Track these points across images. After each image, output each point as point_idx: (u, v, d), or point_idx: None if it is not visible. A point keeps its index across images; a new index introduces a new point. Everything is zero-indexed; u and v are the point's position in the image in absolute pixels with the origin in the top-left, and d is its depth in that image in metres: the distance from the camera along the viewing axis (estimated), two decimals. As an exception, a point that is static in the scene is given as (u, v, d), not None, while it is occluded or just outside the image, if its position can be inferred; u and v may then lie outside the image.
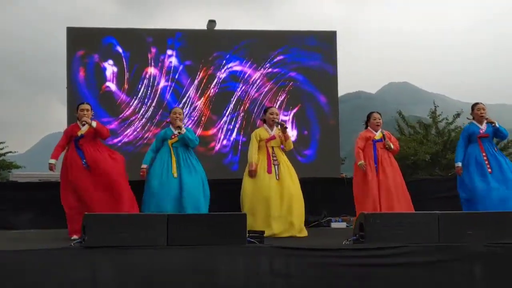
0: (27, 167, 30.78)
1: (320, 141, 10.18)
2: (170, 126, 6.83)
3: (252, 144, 6.83)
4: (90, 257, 4.51)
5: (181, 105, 9.78)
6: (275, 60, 10.27)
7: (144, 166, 6.70)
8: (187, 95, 10.03)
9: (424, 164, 22.23)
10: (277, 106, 9.90)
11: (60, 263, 4.46)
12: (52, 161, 6.49)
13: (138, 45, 9.98)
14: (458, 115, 22.60)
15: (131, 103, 9.83)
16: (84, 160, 6.36)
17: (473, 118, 7.25)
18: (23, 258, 4.45)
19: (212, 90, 10.08)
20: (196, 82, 10.05)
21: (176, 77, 10.02)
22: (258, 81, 10.22)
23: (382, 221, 5.03)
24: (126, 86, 9.86)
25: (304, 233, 6.67)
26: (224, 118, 10.06)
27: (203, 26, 11.21)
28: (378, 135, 7.11)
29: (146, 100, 9.87)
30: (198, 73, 10.07)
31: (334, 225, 8.02)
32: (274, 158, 6.76)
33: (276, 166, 6.71)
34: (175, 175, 6.49)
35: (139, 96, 9.87)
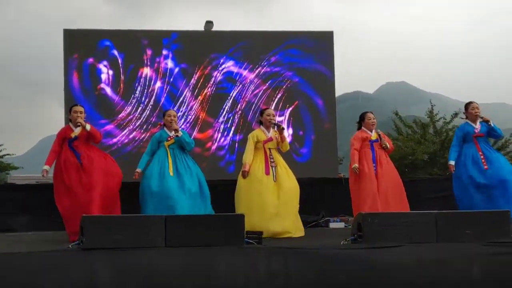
0: (25, 169, 30.74)
1: (318, 142, 10.19)
2: (165, 128, 6.83)
3: (248, 145, 6.85)
4: (88, 259, 4.50)
5: (176, 107, 9.81)
6: (271, 60, 10.28)
7: (138, 170, 6.71)
8: (183, 96, 10.03)
9: (422, 163, 22.24)
10: (273, 107, 9.92)
11: (58, 265, 4.45)
12: (46, 167, 6.47)
13: (134, 47, 9.99)
14: (456, 114, 22.60)
15: (126, 105, 9.83)
16: (80, 160, 6.35)
17: (467, 118, 7.26)
18: (21, 261, 4.45)
19: (208, 92, 10.09)
20: (192, 83, 10.05)
21: (172, 79, 10.03)
22: (255, 81, 10.23)
23: (380, 221, 5.04)
24: (122, 88, 9.87)
25: (302, 233, 6.68)
26: (221, 119, 10.07)
27: (200, 27, 11.21)
28: (373, 135, 7.10)
29: (142, 102, 9.88)
30: (194, 74, 10.07)
31: (332, 225, 8.02)
32: (272, 160, 6.77)
33: (274, 168, 6.72)
34: (172, 173, 6.49)
35: (135, 98, 9.87)
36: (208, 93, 10.09)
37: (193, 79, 10.06)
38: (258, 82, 10.23)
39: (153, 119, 9.82)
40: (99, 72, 9.85)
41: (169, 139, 6.70)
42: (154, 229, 4.72)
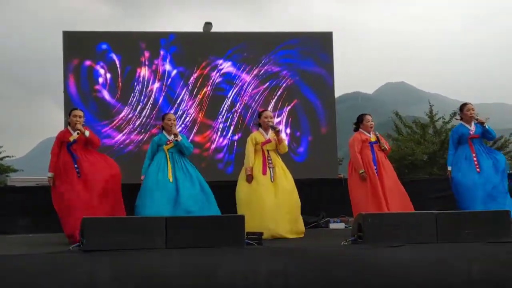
0: (25, 171, 30.74)
1: (317, 142, 10.19)
2: (163, 132, 6.82)
3: (248, 148, 6.86)
4: (89, 260, 4.50)
5: (173, 109, 9.82)
6: (271, 61, 10.28)
7: (142, 176, 6.70)
8: (181, 98, 10.04)
9: (422, 164, 22.25)
10: (272, 107, 9.95)
11: (59, 267, 4.46)
12: (50, 174, 6.47)
13: (132, 49, 10.00)
14: (454, 114, 22.60)
15: (124, 107, 9.84)
16: (76, 165, 6.35)
17: (461, 119, 7.26)
18: (22, 263, 4.45)
19: (206, 93, 10.09)
20: (190, 85, 10.06)
21: (170, 80, 10.04)
22: (253, 82, 10.23)
23: (380, 222, 5.05)
24: (120, 90, 9.88)
25: (301, 234, 6.67)
26: (219, 121, 10.07)
27: (199, 28, 11.22)
28: (372, 137, 7.09)
29: (140, 102, 9.89)
30: (192, 75, 10.08)
31: (332, 226, 8.03)
32: (270, 161, 6.78)
33: (271, 169, 6.73)
34: (171, 180, 6.47)
35: (133, 100, 9.88)
36: (206, 94, 10.10)
37: (191, 80, 10.07)
38: (257, 83, 10.24)
39: (151, 121, 9.83)
40: (98, 74, 9.86)
41: (168, 142, 6.68)
42: (155, 231, 4.73)
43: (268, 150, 6.86)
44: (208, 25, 10.98)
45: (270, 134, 6.88)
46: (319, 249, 4.93)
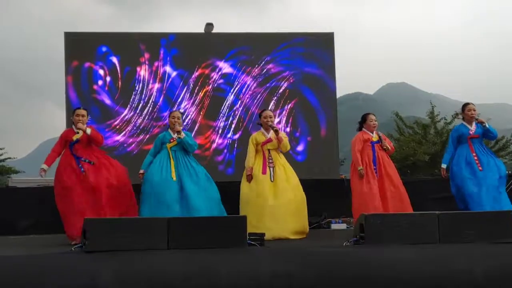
0: (26, 172, 30.77)
1: (319, 143, 10.20)
2: (169, 129, 6.81)
3: (249, 149, 6.89)
4: (90, 261, 4.50)
5: (174, 108, 9.82)
6: (272, 62, 10.29)
7: (142, 170, 6.68)
8: (181, 99, 10.05)
9: (423, 164, 22.25)
10: (273, 108, 9.96)
11: (61, 268, 4.45)
12: (44, 166, 6.48)
13: (132, 50, 10.02)
14: (456, 114, 22.60)
15: (125, 109, 9.85)
16: (80, 165, 6.35)
17: (463, 119, 7.27)
18: (24, 264, 4.45)
19: (206, 94, 10.10)
20: (190, 86, 10.07)
21: (170, 81, 10.05)
22: (254, 83, 10.24)
23: (382, 222, 5.04)
24: (121, 92, 9.91)
25: (304, 234, 6.66)
26: (219, 121, 10.08)
27: (200, 29, 11.23)
28: (374, 136, 7.10)
29: (140, 105, 9.90)
30: (193, 76, 10.08)
31: (334, 226, 8.02)
32: (270, 161, 6.78)
33: (272, 168, 6.73)
34: (174, 178, 6.45)
35: (134, 102, 9.90)
36: (206, 95, 10.10)
37: (191, 81, 10.08)
38: (257, 84, 10.25)
39: (152, 122, 9.84)
40: (99, 75, 9.88)
41: (171, 140, 6.66)
42: (157, 232, 4.72)
43: (269, 150, 6.86)
44: (209, 26, 10.98)
45: (271, 134, 6.88)
46: (321, 250, 4.92)
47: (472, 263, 4.92)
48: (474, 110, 7.15)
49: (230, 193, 6.88)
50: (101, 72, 9.89)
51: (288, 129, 10.10)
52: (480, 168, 6.89)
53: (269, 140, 6.86)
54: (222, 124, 10.09)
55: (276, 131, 6.78)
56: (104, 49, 9.94)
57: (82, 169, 6.32)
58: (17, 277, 4.37)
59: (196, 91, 10.08)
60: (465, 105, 7.31)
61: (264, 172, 6.69)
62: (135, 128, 9.86)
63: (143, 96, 9.92)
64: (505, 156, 23.06)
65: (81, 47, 9.94)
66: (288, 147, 7.02)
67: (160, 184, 6.37)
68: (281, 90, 10.24)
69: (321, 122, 10.25)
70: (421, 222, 5.08)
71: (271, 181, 6.65)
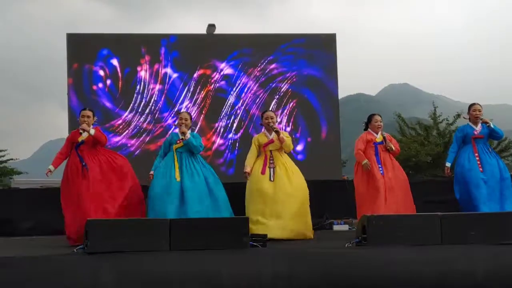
0: (29, 173, 30.78)
1: (321, 144, 10.20)
2: (177, 130, 6.80)
3: (251, 149, 6.92)
4: (92, 263, 4.50)
5: (175, 110, 9.84)
6: (274, 63, 10.30)
7: (151, 172, 6.70)
8: (182, 99, 10.06)
9: (425, 165, 22.23)
10: (274, 108, 9.97)
11: (63, 269, 4.45)
12: (51, 167, 6.49)
13: (133, 53, 10.04)
14: (458, 115, 22.59)
15: (126, 110, 9.88)
16: (85, 165, 6.36)
17: (469, 119, 7.27)
18: (26, 265, 4.45)
19: (208, 95, 10.11)
20: (191, 86, 10.08)
21: (171, 83, 10.07)
22: (256, 83, 10.24)
23: (385, 223, 5.03)
24: (122, 93, 9.94)
25: (308, 235, 6.64)
26: (220, 122, 10.09)
27: (202, 30, 11.25)
28: (379, 137, 7.10)
29: (141, 107, 9.92)
30: (194, 77, 10.10)
31: (336, 227, 8.01)
32: (271, 161, 6.78)
33: (272, 169, 6.72)
34: (178, 179, 6.45)
35: (135, 103, 9.92)
36: (208, 96, 10.11)
37: (193, 82, 10.08)
38: (259, 84, 10.25)
39: (152, 123, 9.86)
40: (101, 77, 9.90)
41: (178, 142, 6.67)
42: (159, 233, 4.72)
43: (271, 151, 6.86)
44: (211, 27, 11.00)
45: (273, 135, 6.88)
46: (323, 251, 4.92)
47: (474, 264, 4.91)
48: (480, 111, 7.15)
49: (233, 194, 6.87)
50: (103, 73, 9.92)
51: (288, 129, 10.10)
52: (481, 169, 6.89)
53: (271, 141, 6.85)
54: (223, 124, 10.10)
55: (277, 132, 6.77)
56: (105, 51, 9.95)
57: (85, 170, 6.33)
58: (19, 279, 4.37)
59: (197, 92, 10.09)
60: (471, 105, 7.32)
61: (263, 172, 6.70)
62: (136, 129, 9.87)
63: (144, 97, 9.93)
64: (507, 157, 23.03)
65: (83, 49, 9.97)
66: (291, 147, 7.00)
67: (162, 188, 6.40)
68: (282, 91, 10.26)
69: (322, 123, 10.25)
70: (423, 223, 5.08)
71: (271, 180, 6.65)
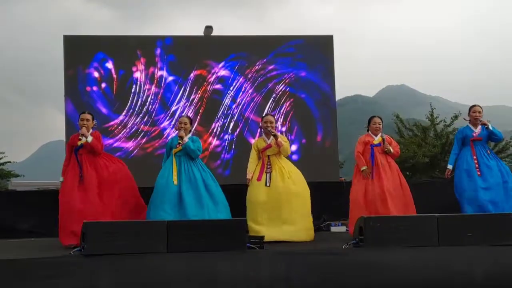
0: (26, 175, 30.76)
1: (319, 145, 10.20)
2: (178, 134, 6.82)
3: (251, 155, 6.92)
4: (90, 265, 4.50)
5: (170, 112, 9.84)
6: (271, 64, 10.30)
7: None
8: (177, 102, 10.06)
9: (423, 166, 22.25)
10: (269, 110, 9.98)
11: (60, 271, 4.45)
12: (62, 179, 6.52)
13: (130, 55, 10.04)
14: (456, 117, 22.61)
15: (122, 113, 9.88)
16: (81, 171, 6.35)
17: (469, 121, 7.28)
18: (23, 267, 4.45)
19: (203, 97, 10.11)
20: (187, 89, 10.08)
21: (167, 85, 10.06)
22: (253, 85, 10.24)
23: (382, 225, 5.04)
24: (119, 96, 9.93)
25: (309, 237, 6.64)
26: (216, 124, 10.09)
27: (200, 32, 11.24)
28: (377, 139, 7.10)
29: (137, 110, 9.93)
30: (190, 79, 10.10)
31: (333, 229, 8.01)
32: (268, 166, 6.78)
33: (268, 174, 6.72)
34: (175, 182, 6.46)
35: (131, 106, 9.93)
36: (203, 98, 10.11)
37: (188, 84, 10.09)
38: (256, 86, 10.25)
39: (147, 126, 9.87)
40: (97, 79, 9.90)
41: (177, 146, 6.68)
42: (156, 235, 4.72)
43: (268, 156, 6.86)
44: (208, 28, 10.99)
45: (271, 139, 6.88)
46: (321, 253, 4.92)
47: (472, 265, 4.92)
48: (480, 113, 7.15)
49: (228, 197, 6.87)
50: (100, 76, 9.90)
51: (284, 129, 10.10)
52: (478, 173, 6.90)
53: (269, 146, 6.85)
54: (219, 126, 10.10)
55: (275, 136, 6.77)
56: (102, 53, 9.95)
57: (81, 176, 6.32)
58: (16, 281, 4.36)
59: (192, 94, 10.09)
60: (472, 107, 7.33)
61: (259, 179, 6.71)
62: (131, 131, 9.86)
63: (140, 100, 9.93)
64: (505, 158, 23.07)
65: (80, 51, 9.94)
66: (289, 152, 7.00)
67: (162, 190, 6.40)
68: (279, 93, 10.25)
69: (319, 124, 10.24)
70: (421, 224, 5.08)
71: (266, 185, 6.66)
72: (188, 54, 10.17)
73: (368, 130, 7.27)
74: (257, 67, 10.26)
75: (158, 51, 10.09)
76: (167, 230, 4.75)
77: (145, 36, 10.77)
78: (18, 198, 8.49)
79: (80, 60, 9.87)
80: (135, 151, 9.81)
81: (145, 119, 9.93)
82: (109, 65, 9.95)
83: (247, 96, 10.21)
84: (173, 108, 10.03)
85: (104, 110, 9.85)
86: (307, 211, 6.77)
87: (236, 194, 6.99)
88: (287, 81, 10.28)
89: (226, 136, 10.10)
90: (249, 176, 6.75)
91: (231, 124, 10.13)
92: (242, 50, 10.30)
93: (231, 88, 10.20)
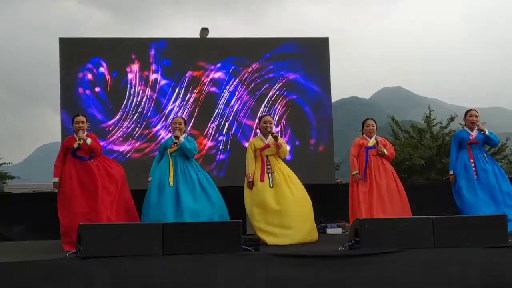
0: (22, 177, 30.71)
1: (314, 147, 10.21)
2: (172, 135, 6.82)
3: (248, 155, 6.84)
4: (85, 267, 4.49)
5: (162, 115, 9.85)
6: (266, 67, 10.31)
7: (149, 178, 6.70)
8: (172, 104, 10.06)
9: (419, 168, 22.27)
10: (264, 111, 9.99)
11: (56, 274, 4.44)
12: (56, 179, 6.45)
13: (125, 57, 10.05)
14: (452, 119, 22.64)
15: (116, 116, 9.88)
16: (92, 160, 6.36)
17: (465, 124, 7.31)
18: (18, 270, 4.44)
19: (197, 99, 10.11)
20: (181, 91, 10.09)
21: (160, 87, 10.07)
22: (248, 87, 10.25)
23: (377, 227, 5.05)
24: (115, 98, 9.92)
25: (314, 237, 6.63)
26: (211, 126, 10.10)
27: (195, 34, 11.25)
28: (371, 141, 7.12)
29: (132, 112, 9.93)
30: (185, 82, 10.10)
31: (329, 231, 8.01)
32: (268, 167, 6.75)
33: (270, 174, 6.69)
34: (171, 183, 6.45)
35: (127, 109, 9.94)
36: (197, 100, 10.11)
37: (182, 86, 10.09)
38: (251, 88, 10.25)
39: (141, 129, 9.88)
40: (93, 82, 9.90)
41: (172, 146, 6.68)
42: (152, 238, 4.72)
43: (267, 156, 6.84)
44: (204, 30, 11.00)
45: (270, 139, 6.86)
46: (316, 255, 4.93)
47: (467, 267, 4.93)
48: (476, 116, 7.21)
49: (224, 199, 6.86)
50: (95, 78, 9.90)
51: (277, 129, 10.11)
52: (475, 176, 6.94)
53: (267, 146, 6.83)
54: (213, 128, 10.10)
55: (276, 137, 6.76)
56: (98, 55, 9.95)
57: (94, 162, 6.33)
58: (11, 283, 4.36)
59: (187, 96, 10.09)
60: (468, 111, 7.39)
61: (262, 179, 6.65)
62: (125, 134, 9.86)
63: (134, 102, 9.93)
64: (500, 159, 23.11)
65: (76, 53, 9.94)
66: (287, 153, 7.00)
67: (158, 192, 6.39)
68: (274, 95, 10.26)
69: (315, 126, 10.26)
70: (416, 226, 5.10)
71: (270, 186, 6.62)
72: (182, 56, 10.17)
73: (362, 133, 7.29)
74: (252, 69, 10.26)
75: (153, 53, 10.09)
76: (163, 232, 4.74)
77: (140, 38, 10.78)
78: (13, 200, 8.48)
79: (76, 62, 9.88)
80: (128, 154, 9.81)
81: (139, 122, 9.92)
82: (104, 68, 9.95)
83: (242, 98, 10.21)
84: (167, 111, 10.03)
85: (98, 112, 9.85)
86: (311, 213, 6.77)
87: (232, 196, 6.99)
88: (282, 83, 10.29)
89: (221, 138, 10.10)
90: (250, 178, 6.68)
91: (226, 125, 10.14)
92: (237, 52, 10.32)
93: (226, 90, 10.20)
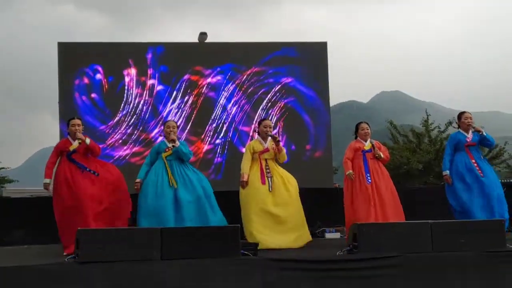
0: (20, 181, 30.66)
1: (313, 151, 10.21)
2: (164, 139, 6.81)
3: (245, 155, 6.83)
4: (84, 272, 4.49)
5: (160, 117, 9.86)
6: (264, 72, 10.32)
7: (138, 180, 6.65)
8: (169, 108, 10.07)
9: (417, 172, 22.27)
10: (262, 115, 10.00)
11: (54, 279, 4.44)
12: (47, 180, 6.40)
13: (123, 62, 10.06)
14: (450, 123, 22.66)
15: (114, 119, 9.89)
16: (88, 169, 6.34)
17: (459, 127, 7.30)
18: (17, 274, 4.44)
19: (195, 103, 10.12)
20: (179, 94, 10.10)
21: (157, 92, 10.08)
22: (246, 91, 10.26)
23: (375, 231, 5.05)
24: (112, 102, 9.93)
25: (309, 239, 6.64)
26: (209, 129, 10.10)
27: (194, 38, 11.28)
28: (367, 145, 7.11)
29: (130, 117, 9.94)
30: (183, 85, 10.11)
31: (328, 235, 8.01)
32: (268, 170, 6.75)
33: (270, 178, 6.69)
34: (173, 184, 6.43)
35: (125, 113, 9.94)
36: (195, 104, 10.12)
37: (180, 91, 10.10)
38: (250, 92, 10.26)
39: (138, 133, 9.89)
40: (91, 86, 9.91)
41: (166, 150, 6.66)
42: (150, 242, 4.72)
43: (266, 159, 6.84)
44: (203, 35, 11.02)
45: (269, 143, 6.87)
46: (315, 260, 4.93)
47: (465, 271, 4.94)
48: (471, 119, 7.21)
49: (222, 202, 6.86)
50: (93, 82, 9.91)
51: (274, 131, 10.12)
52: (481, 174, 6.92)
53: (266, 150, 6.84)
54: (210, 133, 10.11)
55: (278, 141, 6.77)
56: (96, 60, 9.96)
57: (90, 170, 6.32)
58: (10, 288, 4.36)
59: (184, 100, 10.10)
60: (462, 113, 7.37)
61: (263, 182, 6.65)
62: (123, 138, 9.86)
63: (132, 107, 9.94)
64: (498, 164, 23.13)
65: (74, 57, 9.95)
66: (286, 158, 7.01)
67: (155, 196, 6.37)
68: (272, 99, 10.27)
69: (314, 131, 10.26)
70: (414, 231, 5.10)
71: (269, 191, 6.62)
72: (180, 61, 10.19)
73: (356, 137, 7.26)
74: (250, 73, 10.27)
75: (150, 58, 10.11)
76: (161, 237, 4.75)
77: (138, 43, 10.79)
78: (12, 205, 8.47)
79: (74, 66, 9.88)
80: (125, 159, 9.81)
81: (136, 126, 9.93)
82: (103, 71, 9.96)
83: (239, 102, 10.22)
84: (164, 115, 10.04)
85: (94, 118, 9.85)
86: (302, 214, 6.78)
87: (229, 200, 6.99)
88: (280, 87, 10.30)
89: (218, 141, 10.10)
90: (245, 178, 6.67)
91: (224, 128, 10.14)
92: (235, 56, 10.33)
93: (223, 95, 10.21)
